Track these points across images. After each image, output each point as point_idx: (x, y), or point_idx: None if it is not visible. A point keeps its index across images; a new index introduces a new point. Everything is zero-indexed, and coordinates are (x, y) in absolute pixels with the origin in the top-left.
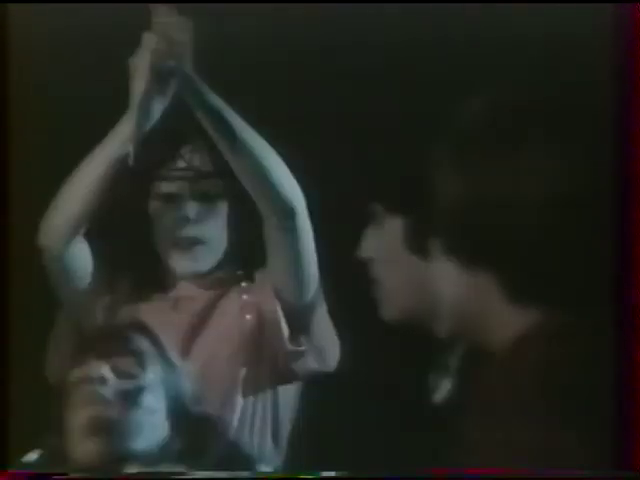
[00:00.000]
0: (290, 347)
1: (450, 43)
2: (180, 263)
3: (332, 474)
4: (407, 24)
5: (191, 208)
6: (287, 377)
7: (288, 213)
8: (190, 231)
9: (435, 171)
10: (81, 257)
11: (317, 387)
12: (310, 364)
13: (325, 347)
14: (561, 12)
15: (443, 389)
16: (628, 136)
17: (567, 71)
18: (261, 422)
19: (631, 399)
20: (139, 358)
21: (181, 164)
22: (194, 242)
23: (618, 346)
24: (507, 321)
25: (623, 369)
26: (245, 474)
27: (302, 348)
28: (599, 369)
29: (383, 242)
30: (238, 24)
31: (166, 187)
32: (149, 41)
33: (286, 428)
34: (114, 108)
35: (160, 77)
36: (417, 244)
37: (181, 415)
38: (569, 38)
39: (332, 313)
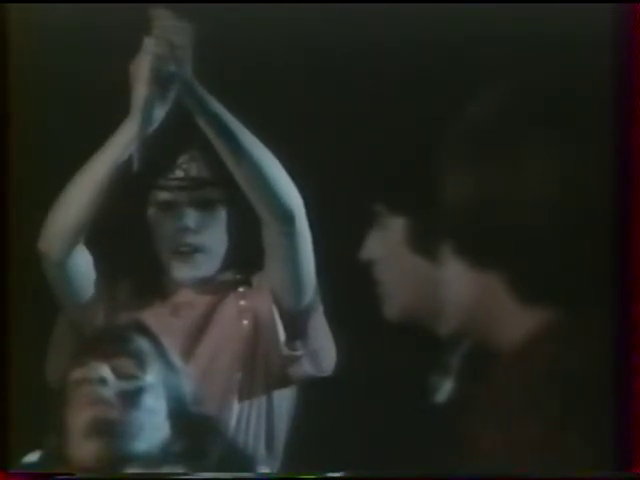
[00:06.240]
0: (286, 352)
1: (451, 43)
2: (180, 271)
3: (333, 475)
4: (408, 24)
5: (191, 217)
6: (283, 382)
7: (287, 218)
8: (190, 240)
9: (439, 171)
10: (82, 264)
11: (319, 386)
12: (306, 369)
13: (321, 352)
14: (561, 12)
15: (445, 389)
16: (629, 136)
17: (567, 71)
18: (255, 427)
19: (632, 399)
20: (139, 359)
21: (179, 174)
22: (194, 250)
23: (623, 346)
24: (514, 321)
25: (626, 369)
26: (246, 475)
27: (298, 353)
28: (605, 369)
29: (386, 242)
30: (237, 26)
31: (164, 196)
32: (150, 45)
33: (281, 433)
34: (115, 109)
35: (161, 81)
36: (421, 244)
37: (182, 416)
38: (569, 38)
39: (332, 314)
